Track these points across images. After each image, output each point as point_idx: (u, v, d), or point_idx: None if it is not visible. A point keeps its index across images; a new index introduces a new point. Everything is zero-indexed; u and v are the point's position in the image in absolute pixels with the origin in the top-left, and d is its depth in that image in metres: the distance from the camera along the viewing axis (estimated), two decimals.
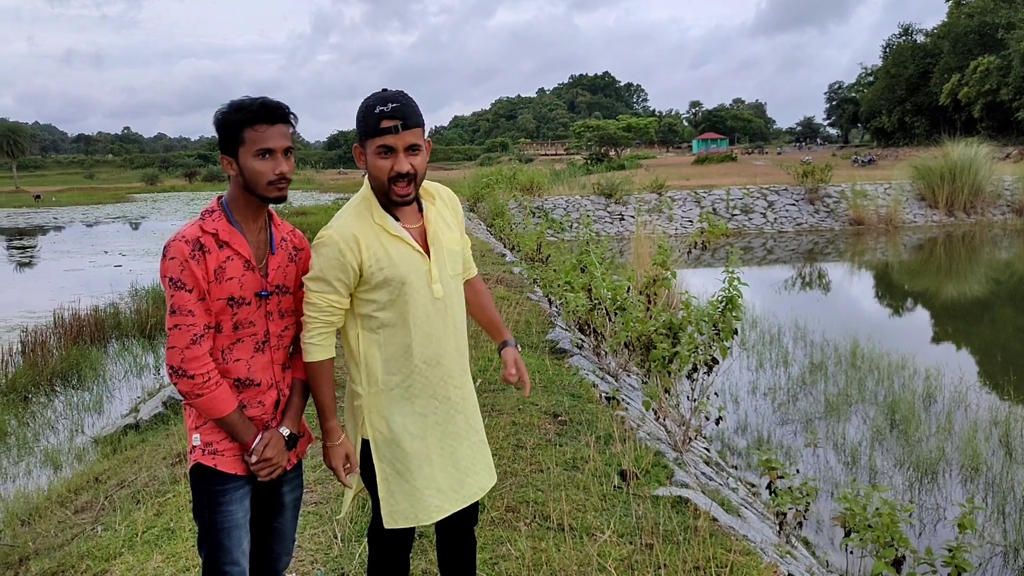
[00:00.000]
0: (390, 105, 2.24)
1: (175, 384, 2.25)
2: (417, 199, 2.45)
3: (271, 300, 2.37)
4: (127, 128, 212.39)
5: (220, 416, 2.27)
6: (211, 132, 2.36)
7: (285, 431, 2.41)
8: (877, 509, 3.55)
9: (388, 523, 2.40)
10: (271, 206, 2.42)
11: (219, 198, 2.36)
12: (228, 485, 2.32)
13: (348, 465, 2.43)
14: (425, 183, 2.47)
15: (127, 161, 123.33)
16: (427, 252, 2.40)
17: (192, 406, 2.30)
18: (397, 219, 2.38)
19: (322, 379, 2.39)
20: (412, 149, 2.29)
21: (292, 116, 2.33)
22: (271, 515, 2.51)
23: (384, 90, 2.30)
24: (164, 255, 2.23)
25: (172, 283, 2.21)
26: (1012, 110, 60.80)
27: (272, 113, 2.27)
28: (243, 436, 2.31)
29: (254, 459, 2.31)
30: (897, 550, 3.43)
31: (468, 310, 2.66)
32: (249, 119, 2.24)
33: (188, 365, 2.20)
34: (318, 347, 2.36)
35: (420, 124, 2.31)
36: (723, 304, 5.00)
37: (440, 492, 2.43)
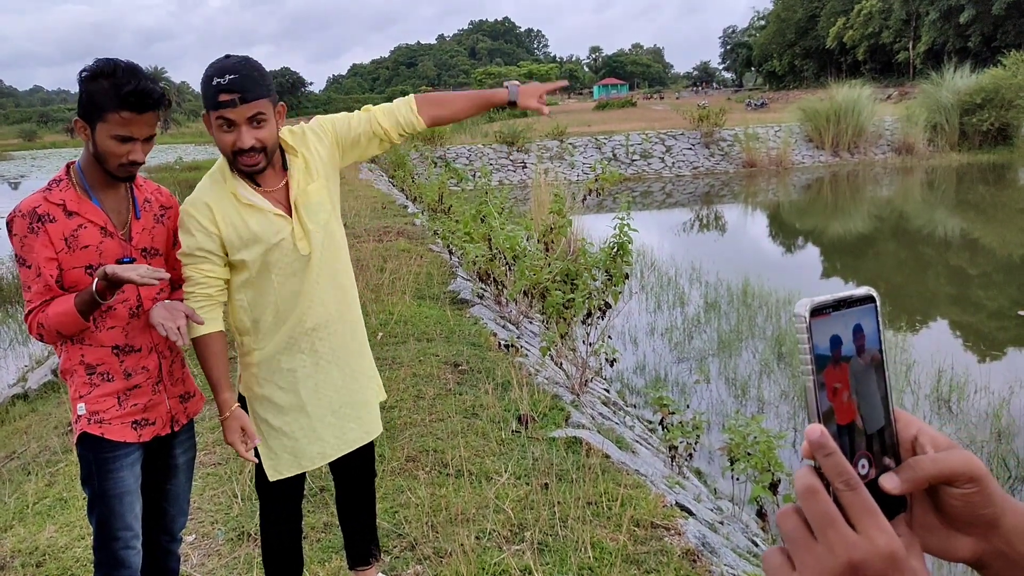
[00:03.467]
0: (227, 77, 2.13)
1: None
2: (282, 155, 2.39)
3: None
4: None
5: (74, 314, 2.14)
6: None
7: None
8: (756, 438, 3.80)
9: (272, 476, 2.44)
10: (149, 166, 2.38)
11: (68, 165, 2.29)
12: (118, 452, 2.30)
13: (245, 438, 2.36)
14: (286, 134, 2.38)
15: (1, 116, 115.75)
16: (289, 211, 2.34)
17: (67, 339, 2.25)
18: (258, 184, 2.32)
19: (208, 353, 2.33)
20: (256, 121, 2.19)
21: (165, 100, 2.24)
22: (164, 478, 2.50)
23: (227, 56, 2.20)
24: (8, 229, 2.19)
25: (16, 258, 2.21)
26: (893, 52, 63.46)
27: (144, 103, 2.13)
28: (91, 301, 2.14)
29: (144, 270, 2.11)
30: (774, 474, 3.69)
31: (446, 113, 2.55)
32: (118, 104, 2.11)
33: (33, 332, 2.23)
34: (200, 322, 2.30)
35: (263, 95, 2.18)
36: (614, 250, 5.14)
37: (321, 440, 2.47)
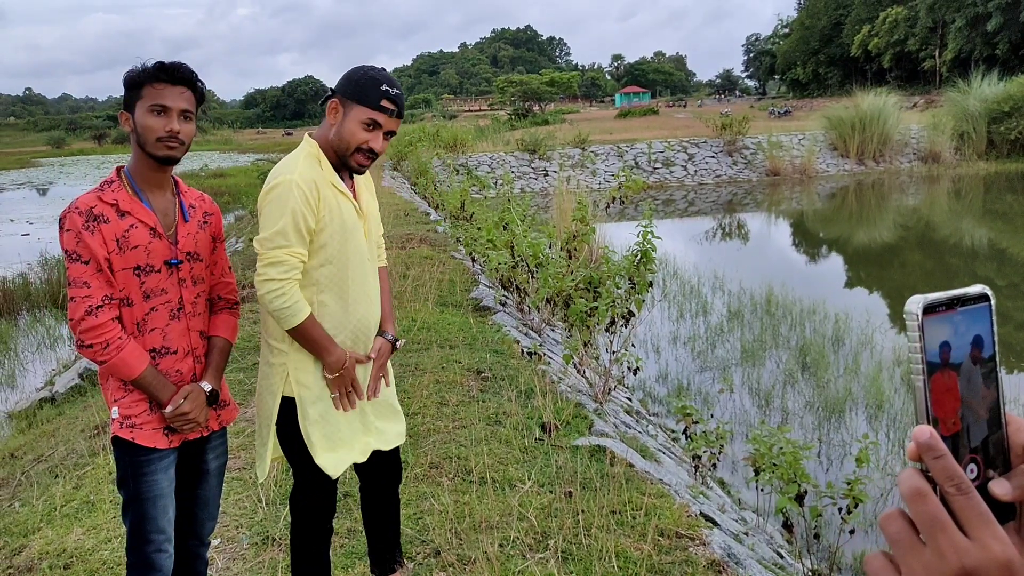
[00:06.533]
0: (395, 90, 2.37)
1: (80, 352, 2.24)
2: None
3: (182, 268, 2.36)
4: (29, 89, 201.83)
5: (132, 377, 2.24)
6: (120, 92, 2.35)
7: (207, 386, 2.40)
8: (781, 449, 3.76)
9: (333, 472, 2.44)
10: (176, 173, 2.43)
11: (119, 168, 2.34)
12: (152, 456, 2.32)
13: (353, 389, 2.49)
14: None
15: (30, 124, 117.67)
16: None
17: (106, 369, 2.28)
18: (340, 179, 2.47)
19: (314, 327, 2.36)
20: (389, 135, 2.43)
21: (199, 83, 2.34)
22: (195, 483, 2.52)
23: (383, 70, 2.40)
24: (60, 227, 2.22)
25: (68, 255, 2.20)
26: (919, 60, 62.88)
27: (171, 73, 2.26)
28: (160, 394, 2.29)
29: (170, 410, 2.29)
30: (800, 486, 3.64)
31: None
32: (150, 77, 2.25)
33: (85, 336, 2.19)
34: (300, 303, 2.33)
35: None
36: (638, 258, 5.12)
37: (360, 434, 2.55)
